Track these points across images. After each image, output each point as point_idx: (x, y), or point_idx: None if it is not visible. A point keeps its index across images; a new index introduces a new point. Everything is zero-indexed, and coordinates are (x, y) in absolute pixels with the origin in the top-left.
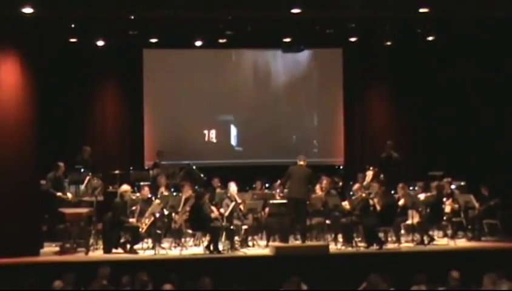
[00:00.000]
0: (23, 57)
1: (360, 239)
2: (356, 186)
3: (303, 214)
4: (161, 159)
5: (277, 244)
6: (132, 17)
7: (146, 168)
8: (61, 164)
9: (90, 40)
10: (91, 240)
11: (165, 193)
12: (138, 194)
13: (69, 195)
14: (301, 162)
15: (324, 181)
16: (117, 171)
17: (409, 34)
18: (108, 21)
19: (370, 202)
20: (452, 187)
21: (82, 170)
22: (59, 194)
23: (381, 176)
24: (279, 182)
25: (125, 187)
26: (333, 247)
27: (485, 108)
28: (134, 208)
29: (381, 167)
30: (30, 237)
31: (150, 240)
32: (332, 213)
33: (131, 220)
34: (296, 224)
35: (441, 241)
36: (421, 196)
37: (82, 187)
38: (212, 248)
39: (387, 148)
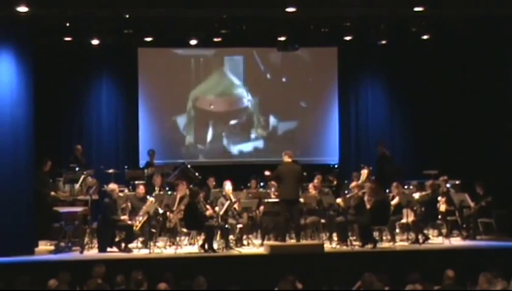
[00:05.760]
0: (18, 56)
1: (354, 238)
2: (353, 183)
3: (297, 213)
4: (153, 158)
5: (272, 242)
6: (127, 16)
7: (141, 167)
8: (48, 160)
9: (84, 39)
10: (86, 239)
11: (160, 192)
12: (126, 191)
13: (60, 193)
14: (289, 159)
15: (316, 180)
16: (112, 170)
17: (404, 33)
18: (102, 20)
19: (365, 200)
20: (447, 185)
21: (77, 169)
22: (52, 193)
23: (375, 175)
24: (267, 173)
25: (112, 186)
26: (328, 246)
27: (480, 107)
28: (124, 205)
29: (377, 165)
30: (25, 235)
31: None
32: (327, 212)
33: (123, 217)
34: (291, 222)
35: (436, 240)
36: (416, 195)
37: (77, 185)
38: (206, 247)
39: (380, 147)
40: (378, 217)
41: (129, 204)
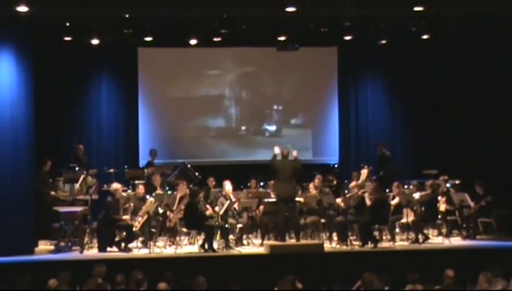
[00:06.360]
0: (18, 55)
1: (354, 237)
2: (353, 183)
3: (295, 212)
4: (154, 158)
5: (272, 242)
6: (127, 15)
7: (141, 166)
8: (48, 160)
9: (84, 39)
10: (86, 239)
11: (160, 192)
12: (129, 191)
13: (60, 192)
14: (285, 157)
15: (316, 179)
16: (112, 170)
17: (404, 33)
18: (102, 20)
19: (365, 200)
20: (447, 185)
21: (77, 169)
22: (52, 193)
23: (377, 174)
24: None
25: (116, 185)
26: (328, 246)
27: (479, 106)
28: (127, 205)
29: (378, 166)
30: (25, 235)
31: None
32: (327, 212)
33: (125, 217)
34: (290, 222)
35: (436, 240)
36: (416, 195)
37: (77, 185)
38: (206, 246)
39: (379, 148)
40: (377, 216)
41: (131, 204)
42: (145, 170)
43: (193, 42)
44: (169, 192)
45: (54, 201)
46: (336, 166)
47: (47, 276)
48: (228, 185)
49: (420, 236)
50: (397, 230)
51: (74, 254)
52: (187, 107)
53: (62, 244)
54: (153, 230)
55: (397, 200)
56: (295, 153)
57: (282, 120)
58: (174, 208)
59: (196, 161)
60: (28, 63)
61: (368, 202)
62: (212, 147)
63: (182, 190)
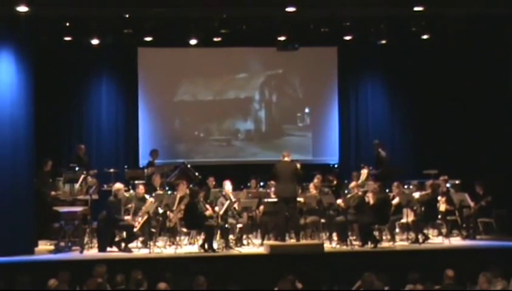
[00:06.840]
0: (18, 56)
1: (354, 237)
2: (353, 183)
3: (295, 212)
4: (154, 158)
5: (272, 242)
6: (127, 15)
7: (141, 166)
8: (49, 160)
9: (84, 39)
10: (86, 239)
11: (160, 192)
12: (132, 191)
13: (59, 193)
14: (286, 158)
15: (316, 179)
16: (112, 170)
17: (404, 33)
18: (102, 20)
19: (366, 200)
20: (447, 185)
21: (77, 169)
22: (52, 193)
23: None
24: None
25: (118, 185)
26: (328, 246)
27: (479, 107)
28: (129, 206)
29: (374, 166)
30: (25, 235)
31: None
32: (327, 212)
33: (126, 218)
34: (290, 222)
35: (436, 240)
36: (416, 195)
37: (77, 185)
38: (206, 246)
39: (375, 148)
40: (379, 216)
41: (133, 205)
42: (145, 170)
43: (193, 42)
44: (169, 192)
45: (54, 201)
46: (336, 166)
47: (47, 276)
48: (228, 185)
49: (420, 236)
50: (397, 230)
51: (74, 254)
52: (186, 107)
53: (62, 244)
54: (153, 230)
55: (397, 200)
56: (298, 166)
57: (281, 119)
58: (174, 208)
59: (196, 161)
60: (28, 63)
61: (371, 201)
62: (207, 149)
63: (182, 190)
